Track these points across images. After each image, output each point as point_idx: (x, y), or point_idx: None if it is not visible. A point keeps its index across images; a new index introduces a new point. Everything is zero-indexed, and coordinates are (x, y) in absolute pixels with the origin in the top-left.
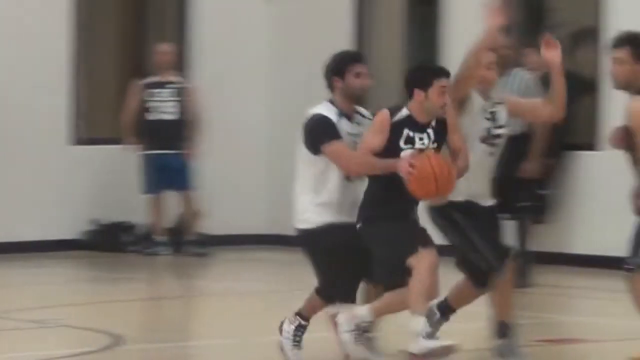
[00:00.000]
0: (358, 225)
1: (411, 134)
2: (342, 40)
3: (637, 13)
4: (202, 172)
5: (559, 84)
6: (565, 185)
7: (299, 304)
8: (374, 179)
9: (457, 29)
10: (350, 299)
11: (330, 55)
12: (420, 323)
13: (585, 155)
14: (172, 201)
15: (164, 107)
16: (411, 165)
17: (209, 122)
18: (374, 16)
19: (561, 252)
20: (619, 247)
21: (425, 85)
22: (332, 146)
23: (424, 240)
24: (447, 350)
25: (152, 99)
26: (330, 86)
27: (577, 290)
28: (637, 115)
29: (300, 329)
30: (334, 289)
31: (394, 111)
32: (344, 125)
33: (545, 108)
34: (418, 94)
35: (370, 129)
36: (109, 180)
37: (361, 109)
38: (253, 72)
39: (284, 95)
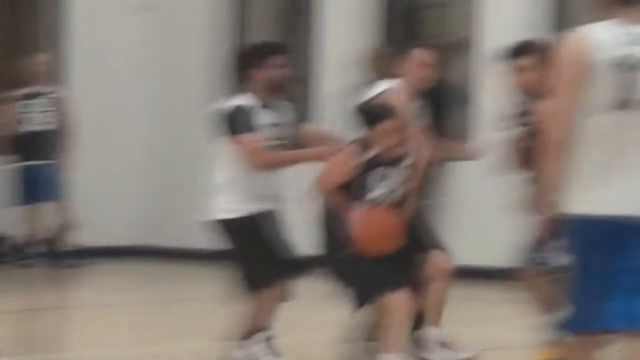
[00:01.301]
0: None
1: (381, 170)
2: (217, 49)
3: (509, 26)
4: (76, 183)
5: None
6: (441, 195)
7: (174, 314)
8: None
9: (329, 38)
10: (272, 283)
11: (246, 47)
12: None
13: (457, 165)
14: (47, 212)
15: (37, 118)
16: (361, 220)
17: (84, 132)
18: (248, 24)
19: None
20: (485, 257)
21: (372, 123)
22: (244, 138)
23: (402, 279)
24: None
25: (25, 110)
26: (248, 76)
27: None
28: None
29: (268, 341)
30: (257, 275)
31: (362, 146)
32: (265, 116)
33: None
34: (371, 129)
35: (334, 161)
36: None
37: (280, 99)
38: (128, 81)
39: (160, 105)
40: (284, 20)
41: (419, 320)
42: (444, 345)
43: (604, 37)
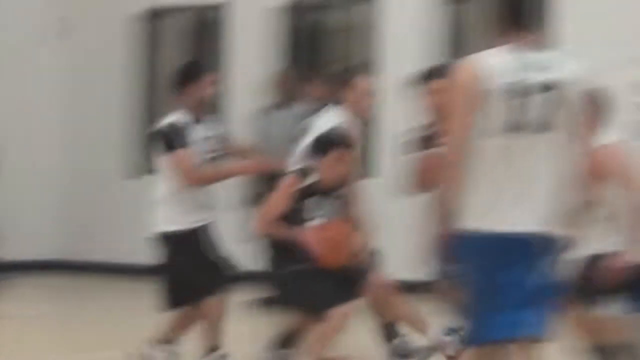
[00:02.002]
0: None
1: (320, 200)
2: (131, 70)
3: (408, 50)
4: None
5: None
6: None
7: (89, 327)
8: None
9: (237, 62)
10: (212, 292)
11: (180, 66)
12: None
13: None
14: None
15: None
16: (319, 235)
17: (2, 148)
18: (161, 47)
19: None
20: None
21: (324, 152)
22: (179, 154)
23: (348, 294)
24: None
25: None
26: (183, 94)
27: None
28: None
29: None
30: (196, 287)
31: (301, 176)
32: (199, 130)
33: None
34: (318, 159)
35: (277, 194)
36: None
37: (210, 114)
38: (47, 99)
39: (77, 123)
40: (194, 44)
41: (390, 332)
42: (431, 349)
43: (497, 63)
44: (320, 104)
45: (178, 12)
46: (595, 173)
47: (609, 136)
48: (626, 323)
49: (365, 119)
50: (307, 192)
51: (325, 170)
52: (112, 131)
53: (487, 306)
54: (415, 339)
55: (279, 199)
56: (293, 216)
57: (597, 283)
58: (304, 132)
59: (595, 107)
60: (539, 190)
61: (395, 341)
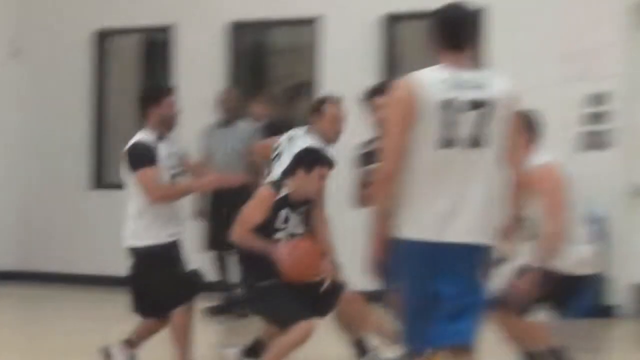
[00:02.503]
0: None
1: (288, 213)
2: (83, 93)
3: (344, 70)
4: None
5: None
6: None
7: (46, 336)
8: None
9: (184, 83)
10: (180, 304)
11: (145, 88)
12: None
13: None
14: None
15: None
16: (287, 253)
17: None
18: (109, 69)
19: None
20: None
21: (308, 168)
22: (144, 172)
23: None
24: None
25: None
26: (147, 115)
27: None
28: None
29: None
30: (166, 298)
31: (276, 189)
32: (163, 148)
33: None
34: (299, 173)
35: (252, 204)
36: None
37: (171, 133)
38: (2, 115)
39: (34, 136)
40: (143, 65)
41: (361, 348)
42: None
43: (431, 81)
44: (264, 122)
45: (127, 33)
46: (526, 191)
47: (543, 155)
48: (553, 329)
49: (335, 143)
50: (280, 205)
51: (304, 184)
52: (67, 145)
53: (421, 314)
54: (387, 351)
55: (254, 210)
56: (266, 227)
57: (524, 293)
58: (253, 148)
59: (528, 126)
60: (472, 203)
61: (367, 356)
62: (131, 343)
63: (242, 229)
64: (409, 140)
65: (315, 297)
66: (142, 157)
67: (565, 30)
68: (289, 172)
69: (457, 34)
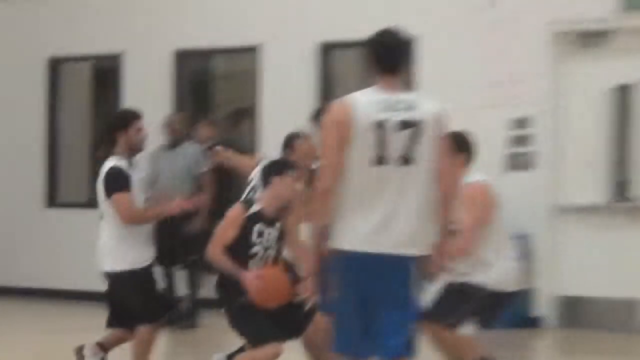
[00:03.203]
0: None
1: (262, 228)
2: (36, 117)
3: (283, 95)
4: None
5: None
6: None
7: (22, 347)
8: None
9: (135, 99)
10: (149, 322)
11: (114, 114)
12: None
13: None
14: None
15: None
16: (255, 279)
17: None
18: (63, 97)
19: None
20: None
21: (279, 173)
22: (119, 196)
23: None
24: None
25: None
26: (115, 140)
27: None
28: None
29: None
30: (142, 315)
31: (247, 205)
32: (133, 173)
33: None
34: (274, 181)
35: (224, 223)
36: None
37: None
38: None
39: (4, 155)
40: (94, 91)
41: None
42: None
43: (365, 103)
44: (209, 144)
45: (79, 60)
46: (461, 206)
47: (477, 174)
48: (481, 341)
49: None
50: (253, 220)
51: (280, 190)
52: (22, 166)
53: (354, 325)
54: None
55: (226, 229)
56: (241, 243)
57: (453, 304)
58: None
59: (463, 146)
60: (404, 216)
61: None
62: (104, 347)
63: (215, 248)
64: (344, 158)
65: (291, 318)
66: (117, 182)
67: (492, 58)
68: (261, 186)
69: (391, 58)
